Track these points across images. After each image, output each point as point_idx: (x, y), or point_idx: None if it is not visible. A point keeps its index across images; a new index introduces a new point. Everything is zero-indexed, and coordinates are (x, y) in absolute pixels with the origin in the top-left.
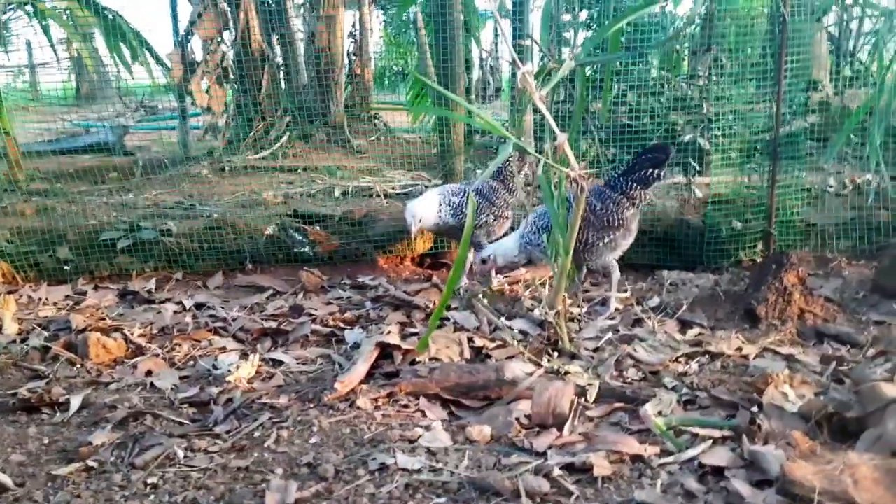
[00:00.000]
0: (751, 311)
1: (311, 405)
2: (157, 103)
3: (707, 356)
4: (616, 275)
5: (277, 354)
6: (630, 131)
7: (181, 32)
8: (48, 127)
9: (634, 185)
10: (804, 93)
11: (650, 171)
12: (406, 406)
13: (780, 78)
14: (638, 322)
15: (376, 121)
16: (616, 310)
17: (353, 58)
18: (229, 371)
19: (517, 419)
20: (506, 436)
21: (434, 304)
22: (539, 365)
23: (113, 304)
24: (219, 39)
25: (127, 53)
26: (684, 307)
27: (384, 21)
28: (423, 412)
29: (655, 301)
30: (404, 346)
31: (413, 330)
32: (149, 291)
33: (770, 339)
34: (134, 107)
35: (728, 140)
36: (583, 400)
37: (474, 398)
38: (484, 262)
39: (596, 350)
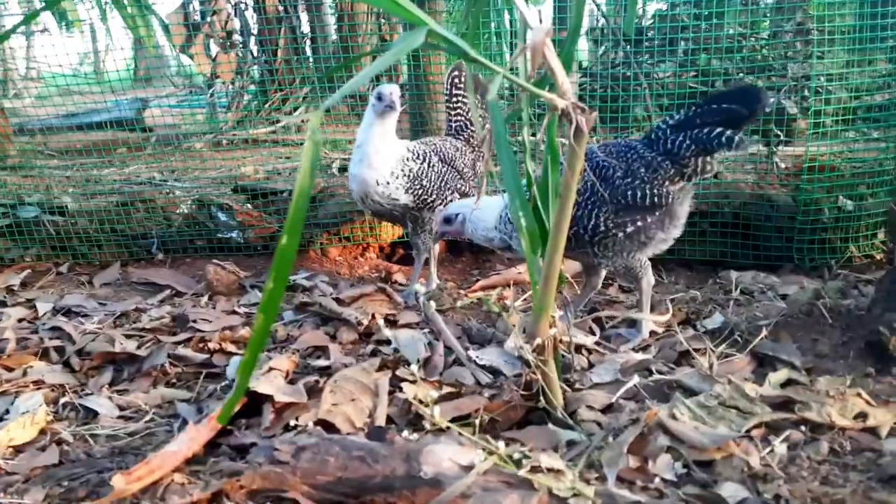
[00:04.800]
0: (879, 344)
1: None
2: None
3: (804, 428)
4: (648, 280)
5: (97, 400)
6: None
7: None
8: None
9: (688, 145)
10: None
11: (717, 130)
12: None
13: None
14: (685, 356)
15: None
16: (652, 334)
17: (382, 20)
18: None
19: None
20: None
21: (373, 318)
22: (488, 452)
23: None
24: None
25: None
26: (764, 332)
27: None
28: None
29: (718, 320)
30: (284, 396)
31: (322, 363)
32: (9, 289)
33: None
34: (182, 86)
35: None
36: None
37: None
38: (448, 220)
39: (608, 409)
